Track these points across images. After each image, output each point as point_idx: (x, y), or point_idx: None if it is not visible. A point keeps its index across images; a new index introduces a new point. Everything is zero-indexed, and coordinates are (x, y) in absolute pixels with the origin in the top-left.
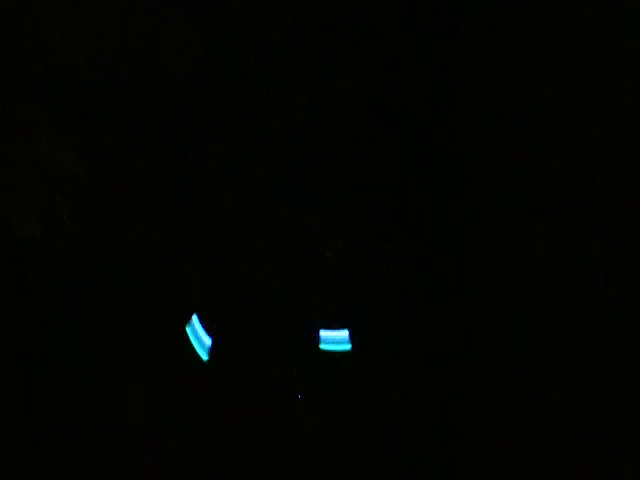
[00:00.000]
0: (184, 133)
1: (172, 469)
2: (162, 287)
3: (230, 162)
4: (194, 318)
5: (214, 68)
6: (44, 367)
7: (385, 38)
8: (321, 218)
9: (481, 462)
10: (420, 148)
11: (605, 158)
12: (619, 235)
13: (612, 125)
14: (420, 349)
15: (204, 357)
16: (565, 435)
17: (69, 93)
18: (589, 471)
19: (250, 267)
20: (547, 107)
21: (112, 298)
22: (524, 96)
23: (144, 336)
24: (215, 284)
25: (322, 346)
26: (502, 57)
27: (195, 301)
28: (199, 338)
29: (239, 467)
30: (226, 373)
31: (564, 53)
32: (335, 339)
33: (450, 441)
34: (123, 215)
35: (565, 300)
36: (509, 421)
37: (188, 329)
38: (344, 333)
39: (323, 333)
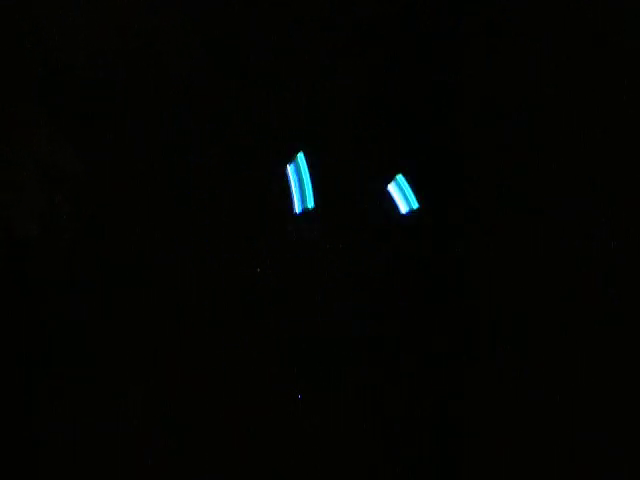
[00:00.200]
0: (184, 133)
1: (172, 469)
2: (162, 287)
3: (230, 162)
4: None
5: (214, 68)
6: (44, 367)
7: (385, 38)
8: (321, 218)
9: (481, 462)
10: (420, 148)
11: (605, 158)
12: (619, 235)
13: (612, 125)
14: (420, 349)
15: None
16: (565, 435)
17: (69, 93)
18: (589, 471)
19: (250, 267)
20: (547, 107)
21: (112, 298)
22: (524, 96)
23: (144, 336)
24: (215, 284)
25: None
26: (502, 57)
27: (195, 301)
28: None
29: (239, 467)
30: (226, 373)
31: (564, 53)
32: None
33: (450, 441)
34: (123, 215)
35: (565, 300)
36: (509, 421)
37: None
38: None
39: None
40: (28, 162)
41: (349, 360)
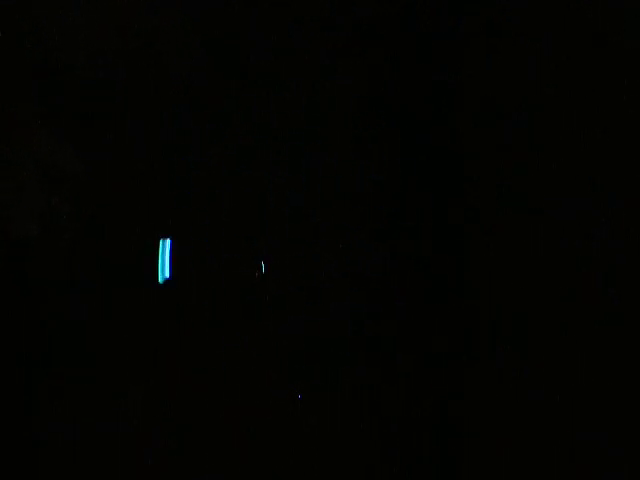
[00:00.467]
0: (184, 133)
1: (172, 469)
2: (162, 287)
3: (230, 162)
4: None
5: (214, 68)
6: (44, 367)
7: (385, 38)
8: (321, 218)
9: (481, 462)
10: (420, 148)
11: (605, 158)
12: (619, 235)
13: (612, 125)
14: (420, 349)
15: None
16: (565, 435)
17: (69, 93)
18: (589, 471)
19: (250, 267)
20: (547, 107)
21: (112, 298)
22: (524, 96)
23: (144, 336)
24: (215, 284)
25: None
26: (502, 57)
27: (195, 301)
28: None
29: (239, 467)
30: (226, 373)
31: (564, 53)
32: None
33: (450, 441)
34: (123, 215)
35: (565, 300)
36: (509, 421)
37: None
38: None
39: None
40: (28, 162)
41: (348, 360)
